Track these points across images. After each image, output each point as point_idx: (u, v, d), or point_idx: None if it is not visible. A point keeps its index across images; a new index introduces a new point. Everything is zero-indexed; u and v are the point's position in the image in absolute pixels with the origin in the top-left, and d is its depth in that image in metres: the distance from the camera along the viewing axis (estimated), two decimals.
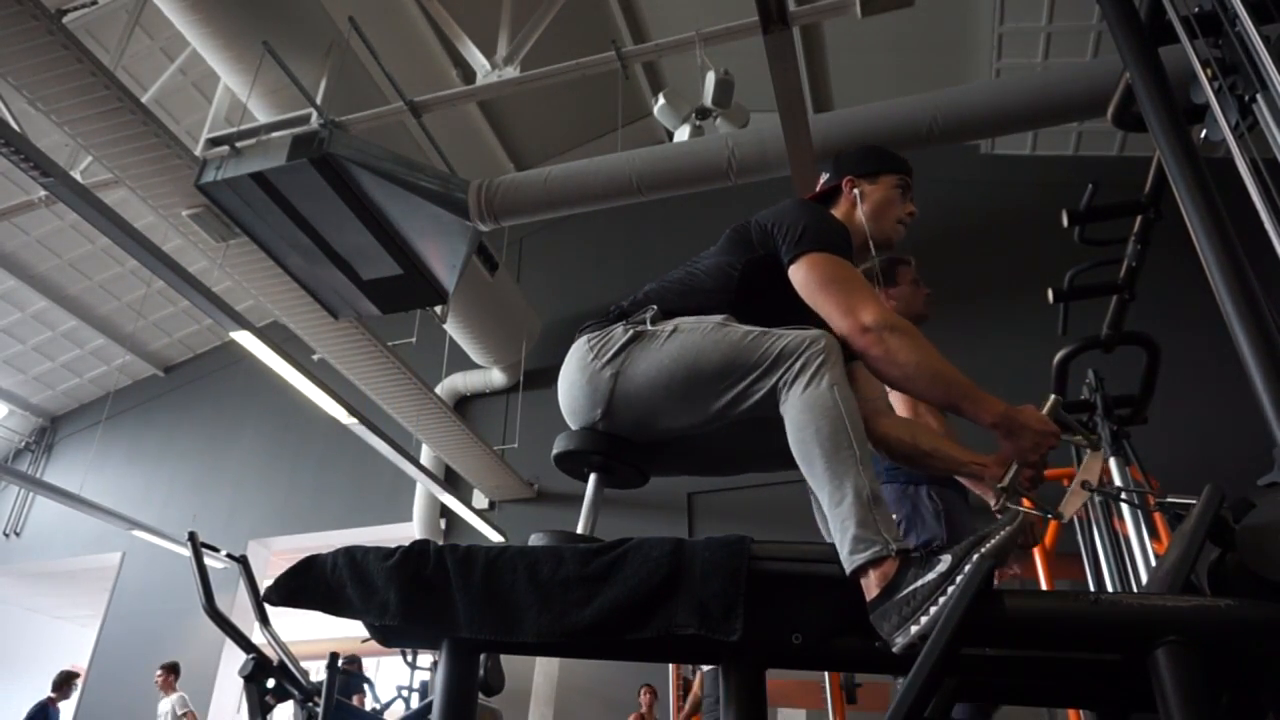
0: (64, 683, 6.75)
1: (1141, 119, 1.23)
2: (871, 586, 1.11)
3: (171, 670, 6.56)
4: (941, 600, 1.04)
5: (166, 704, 6.42)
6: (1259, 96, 1.03)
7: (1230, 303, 1.04)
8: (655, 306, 1.41)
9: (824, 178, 1.68)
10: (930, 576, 1.07)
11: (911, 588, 1.07)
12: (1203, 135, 1.16)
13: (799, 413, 1.23)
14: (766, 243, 1.47)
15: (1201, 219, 1.08)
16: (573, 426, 1.49)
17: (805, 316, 1.38)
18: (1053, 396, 1.30)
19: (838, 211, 1.59)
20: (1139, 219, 2.51)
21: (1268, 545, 0.94)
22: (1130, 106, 1.55)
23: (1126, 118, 1.60)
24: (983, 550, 1.08)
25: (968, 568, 1.05)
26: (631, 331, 1.39)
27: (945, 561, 1.08)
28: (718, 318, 1.36)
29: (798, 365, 1.25)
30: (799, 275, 1.40)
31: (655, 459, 1.53)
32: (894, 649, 1.07)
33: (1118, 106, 1.63)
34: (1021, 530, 1.11)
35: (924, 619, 1.04)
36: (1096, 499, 2.39)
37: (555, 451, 1.48)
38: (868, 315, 1.30)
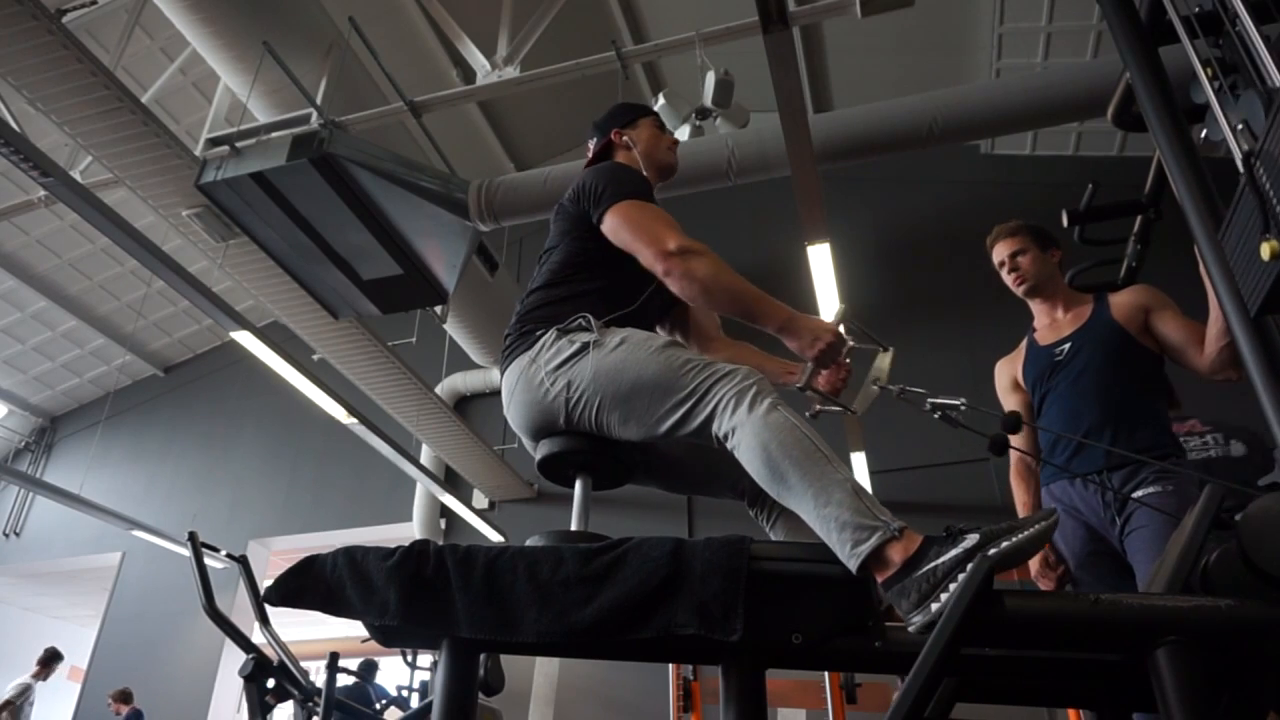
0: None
1: (1141, 119, 1.23)
2: (888, 567, 1.09)
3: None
4: (962, 577, 1.03)
5: None
6: None
7: (1230, 303, 1.04)
8: (588, 315, 1.46)
9: (593, 143, 1.84)
10: (954, 552, 1.07)
11: (932, 564, 1.06)
12: (1203, 135, 1.16)
13: (752, 437, 1.23)
14: (583, 213, 1.58)
15: (1201, 219, 1.08)
16: (532, 443, 1.51)
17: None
18: (841, 305, 1.48)
19: (621, 161, 1.75)
20: (1139, 219, 2.51)
21: (1268, 537, 0.94)
22: (1130, 106, 1.55)
23: (1126, 118, 1.59)
24: (1002, 545, 1.06)
25: (970, 566, 1.04)
26: (579, 343, 1.42)
27: (971, 539, 1.07)
28: (664, 338, 1.42)
29: (732, 395, 1.27)
30: (609, 228, 1.53)
31: (636, 463, 1.54)
32: (910, 628, 1.06)
33: (1118, 106, 1.62)
34: (1049, 533, 1.09)
35: (944, 596, 1.03)
36: None
37: (537, 458, 1.49)
38: (671, 242, 1.43)
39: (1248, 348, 1.02)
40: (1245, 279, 0.96)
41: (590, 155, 1.83)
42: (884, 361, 1.48)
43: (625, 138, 1.79)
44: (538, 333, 1.49)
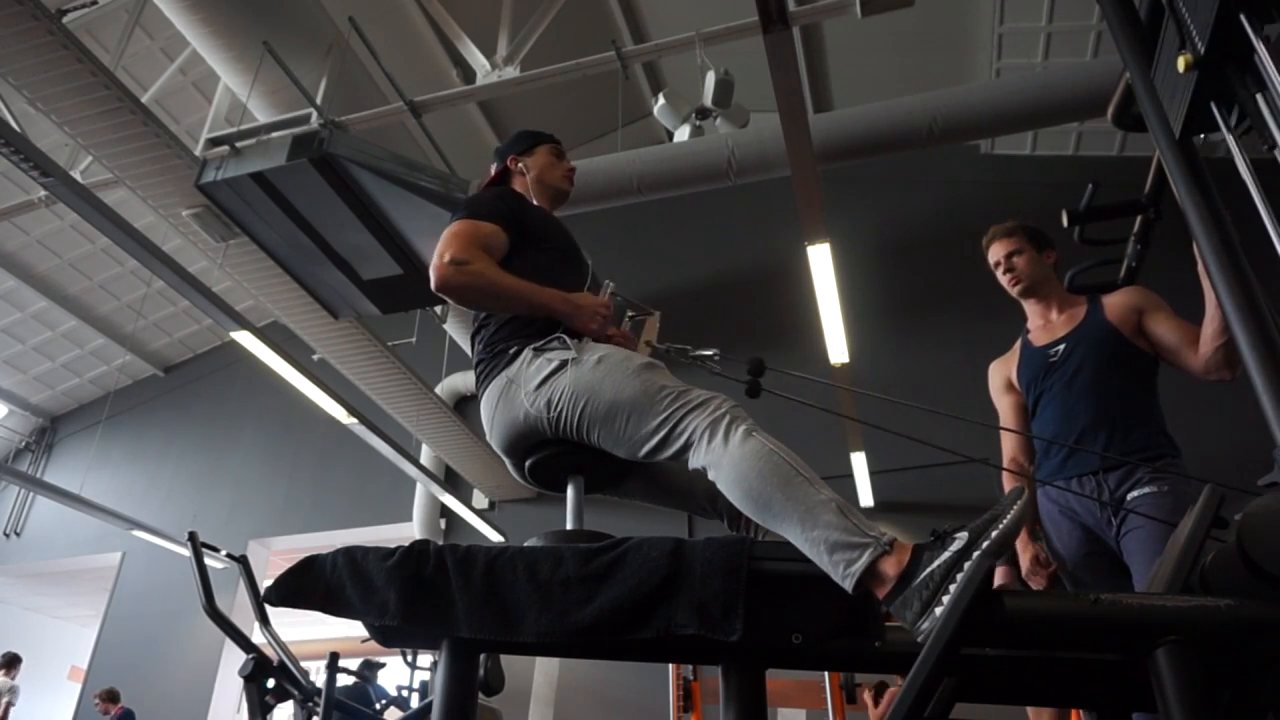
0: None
1: (1141, 119, 1.23)
2: (885, 582, 1.09)
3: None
4: (960, 576, 1.03)
5: None
6: (1259, 96, 1.03)
7: (1230, 303, 1.03)
8: (562, 335, 1.48)
9: (493, 168, 1.89)
10: (946, 555, 1.07)
11: (929, 570, 1.06)
12: (1203, 135, 1.16)
13: (731, 470, 1.23)
14: None
15: (1201, 219, 1.08)
16: (516, 463, 1.54)
17: (568, 264, 1.64)
18: (608, 282, 1.60)
19: (517, 186, 1.82)
20: (1139, 219, 2.51)
21: (1268, 537, 0.94)
22: (1130, 106, 1.55)
23: (1126, 118, 1.59)
24: (991, 535, 1.06)
25: (968, 564, 1.04)
26: (557, 361, 1.43)
27: (961, 539, 1.08)
28: (642, 358, 1.42)
29: (705, 427, 1.27)
30: None
31: (623, 471, 1.54)
32: (920, 638, 1.05)
33: (1118, 106, 1.62)
34: (1027, 509, 1.11)
35: (947, 599, 1.03)
36: None
37: (527, 465, 1.50)
38: (449, 253, 1.49)
39: (1175, 171, 1.04)
40: (1170, 105, 1.02)
41: (488, 180, 1.87)
42: (652, 323, 1.64)
43: (520, 164, 1.83)
44: (512, 350, 1.50)
